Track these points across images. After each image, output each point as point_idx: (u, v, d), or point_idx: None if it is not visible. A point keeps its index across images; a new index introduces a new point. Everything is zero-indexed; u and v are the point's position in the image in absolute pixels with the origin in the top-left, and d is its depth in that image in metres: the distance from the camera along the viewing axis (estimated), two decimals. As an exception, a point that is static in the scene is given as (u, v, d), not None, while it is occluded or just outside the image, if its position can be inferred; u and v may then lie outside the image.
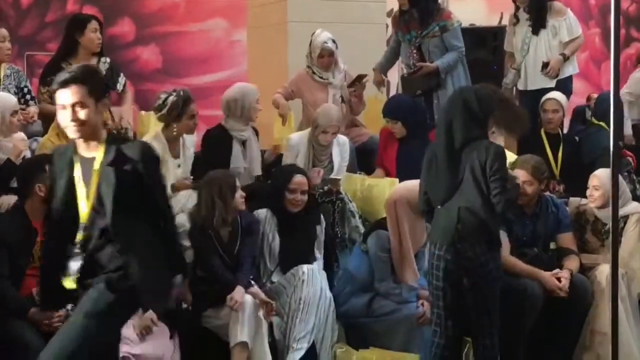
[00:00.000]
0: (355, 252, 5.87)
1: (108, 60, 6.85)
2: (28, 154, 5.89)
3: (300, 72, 7.25)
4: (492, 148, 4.84)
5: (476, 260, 4.79)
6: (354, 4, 8.02)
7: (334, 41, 7.09)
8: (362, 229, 6.14)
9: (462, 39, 7.31)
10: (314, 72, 7.13)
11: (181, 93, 6.14)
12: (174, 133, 6.12)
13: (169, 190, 5.72)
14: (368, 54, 7.69)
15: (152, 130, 6.39)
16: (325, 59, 7.08)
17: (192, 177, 6.07)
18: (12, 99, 6.01)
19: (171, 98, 6.10)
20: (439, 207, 4.91)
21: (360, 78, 7.28)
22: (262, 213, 5.80)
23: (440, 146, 4.93)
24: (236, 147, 6.42)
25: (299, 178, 5.80)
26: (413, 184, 5.37)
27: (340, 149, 6.59)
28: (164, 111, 6.09)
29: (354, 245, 6.05)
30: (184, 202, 5.86)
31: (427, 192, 5.01)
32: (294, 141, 6.57)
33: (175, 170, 6.12)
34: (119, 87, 6.87)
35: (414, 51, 7.27)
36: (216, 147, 6.36)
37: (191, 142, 6.32)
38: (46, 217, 4.62)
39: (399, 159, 6.70)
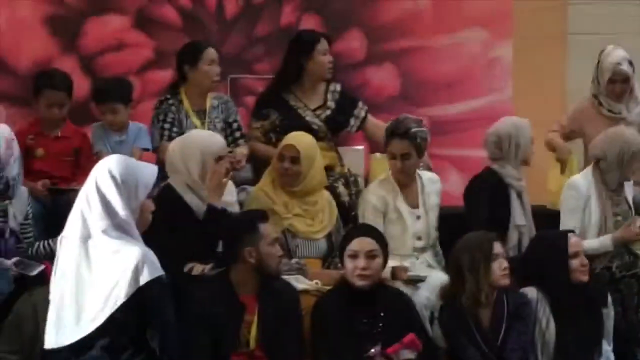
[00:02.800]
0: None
1: (338, 87, 6.87)
2: (236, 208, 5.85)
3: (582, 102, 7.09)
4: None
5: None
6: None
7: (630, 63, 6.91)
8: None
9: None
10: (600, 104, 7.02)
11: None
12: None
13: (388, 275, 5.75)
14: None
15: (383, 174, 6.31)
16: (617, 85, 6.92)
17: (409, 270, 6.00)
18: (218, 141, 5.85)
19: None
20: None
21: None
22: (531, 292, 5.70)
23: None
24: (514, 200, 6.39)
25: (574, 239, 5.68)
26: None
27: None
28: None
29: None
30: None
31: None
32: (582, 185, 6.45)
33: (414, 223, 6.17)
34: (353, 123, 6.87)
35: None
36: (489, 199, 6.34)
37: (435, 189, 6.26)
38: None
39: None
